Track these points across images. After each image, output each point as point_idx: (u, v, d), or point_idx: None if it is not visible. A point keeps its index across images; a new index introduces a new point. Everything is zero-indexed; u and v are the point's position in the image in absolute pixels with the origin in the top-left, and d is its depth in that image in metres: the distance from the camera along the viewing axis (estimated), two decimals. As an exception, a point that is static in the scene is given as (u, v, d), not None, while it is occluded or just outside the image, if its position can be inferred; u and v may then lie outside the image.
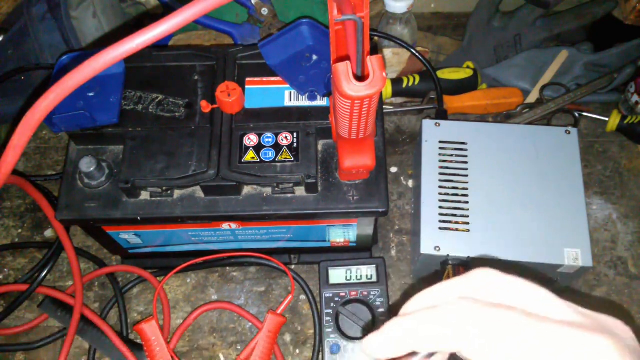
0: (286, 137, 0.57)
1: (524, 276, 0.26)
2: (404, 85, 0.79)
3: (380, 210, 0.56)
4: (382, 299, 0.64)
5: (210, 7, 0.29)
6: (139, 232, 0.62)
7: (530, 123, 0.78)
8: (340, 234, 0.64)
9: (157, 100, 0.59)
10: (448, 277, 0.60)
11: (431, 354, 0.25)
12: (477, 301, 0.24)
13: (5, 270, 0.73)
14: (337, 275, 0.66)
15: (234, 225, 0.60)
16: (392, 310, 0.66)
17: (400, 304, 0.26)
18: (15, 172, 0.73)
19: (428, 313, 0.24)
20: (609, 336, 0.22)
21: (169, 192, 0.56)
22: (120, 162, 0.56)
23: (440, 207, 0.62)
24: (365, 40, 0.39)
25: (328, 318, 0.63)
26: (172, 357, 0.62)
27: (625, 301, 0.68)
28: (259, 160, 0.55)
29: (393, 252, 0.72)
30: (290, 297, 0.66)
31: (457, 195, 0.62)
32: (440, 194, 0.63)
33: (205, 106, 0.58)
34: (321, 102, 0.59)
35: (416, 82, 0.79)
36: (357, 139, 0.50)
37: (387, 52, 0.80)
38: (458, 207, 0.62)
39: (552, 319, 0.23)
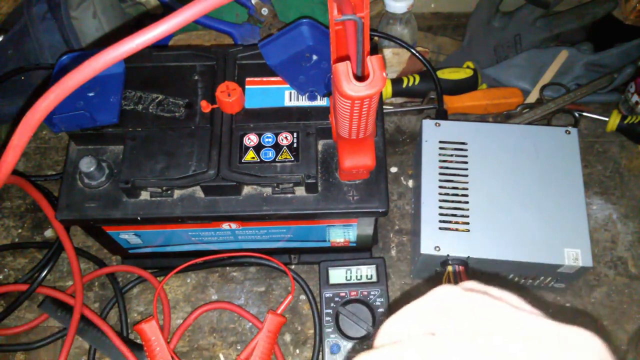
0: (286, 137, 0.57)
1: (492, 283, 0.26)
2: (404, 85, 0.79)
3: (380, 210, 0.56)
4: (382, 299, 0.64)
5: (210, 7, 0.29)
6: (139, 232, 0.62)
7: (530, 123, 0.78)
8: (340, 234, 0.64)
9: (157, 100, 0.59)
10: (448, 278, 0.60)
11: None
12: (434, 337, 0.24)
13: (5, 270, 0.73)
14: (337, 275, 0.66)
15: (234, 225, 0.61)
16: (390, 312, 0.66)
17: (400, 305, 0.26)
18: (15, 172, 0.73)
19: (389, 351, 0.24)
20: (572, 355, 0.22)
21: (169, 192, 0.56)
22: (120, 162, 0.56)
23: (440, 207, 0.62)
24: (365, 40, 0.39)
25: (328, 318, 0.63)
26: (172, 357, 0.62)
27: (625, 301, 0.68)
28: (259, 160, 0.55)
29: (393, 252, 0.72)
30: (290, 297, 0.66)
31: (457, 195, 0.62)
32: (440, 194, 0.63)
33: (205, 106, 0.58)
34: (321, 102, 0.59)
35: (416, 82, 0.79)
36: (357, 139, 0.50)
37: (387, 52, 0.80)
38: (458, 207, 0.62)
39: (511, 343, 0.23)
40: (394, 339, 0.25)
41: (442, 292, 0.26)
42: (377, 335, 0.26)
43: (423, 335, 0.24)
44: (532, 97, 0.81)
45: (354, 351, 0.62)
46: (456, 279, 0.60)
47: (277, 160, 0.55)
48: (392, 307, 0.67)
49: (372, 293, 0.64)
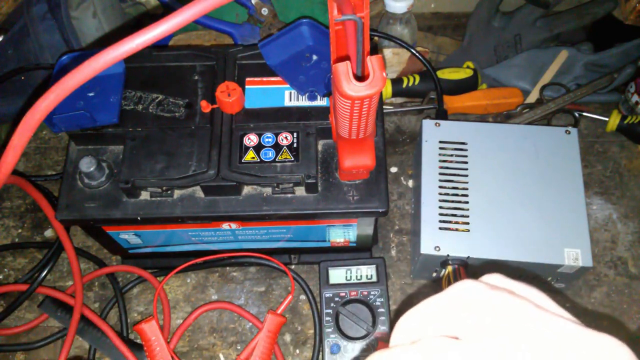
0: (286, 137, 0.57)
1: (519, 278, 0.26)
2: (404, 85, 0.79)
3: (380, 210, 0.56)
4: (382, 299, 0.64)
5: (210, 7, 0.29)
6: (139, 232, 0.62)
7: (530, 123, 0.78)
8: (340, 234, 0.64)
9: (157, 100, 0.59)
10: (448, 278, 0.60)
11: None
12: (452, 340, 0.23)
13: (5, 270, 0.73)
14: (337, 275, 0.66)
15: (234, 225, 0.61)
16: (393, 319, 0.66)
17: (402, 310, 0.26)
18: (15, 172, 0.73)
19: (404, 353, 0.23)
20: None
21: (169, 192, 0.56)
22: (120, 162, 0.56)
23: (440, 207, 0.62)
24: (365, 40, 0.39)
25: (328, 318, 0.63)
26: (172, 357, 0.62)
27: (625, 301, 0.68)
28: (259, 160, 0.55)
29: (393, 252, 0.72)
30: (290, 297, 0.66)
31: (457, 195, 0.62)
32: (440, 194, 0.63)
33: (205, 106, 0.58)
34: (321, 102, 0.59)
35: (416, 82, 0.79)
36: (357, 139, 0.50)
37: (387, 52, 0.80)
38: (458, 207, 0.62)
39: (533, 347, 0.21)
40: (411, 335, 0.25)
41: (463, 288, 0.24)
42: (394, 330, 0.25)
43: (441, 337, 0.23)
44: (532, 97, 0.81)
45: (367, 349, 0.62)
46: (456, 279, 0.60)
47: (277, 160, 0.55)
48: (400, 306, 0.67)
49: (372, 293, 0.64)
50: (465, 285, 0.25)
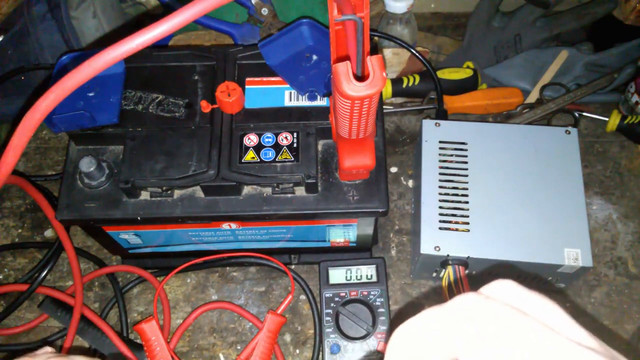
0: (286, 137, 0.57)
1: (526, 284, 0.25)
2: (404, 85, 0.79)
3: (380, 210, 0.56)
4: (382, 299, 0.64)
5: (210, 7, 0.29)
6: (139, 232, 0.62)
7: (530, 123, 0.78)
8: (340, 234, 0.64)
9: (157, 100, 0.59)
10: (448, 278, 0.60)
11: None
12: None
13: (5, 270, 0.73)
14: (337, 275, 0.66)
15: (234, 225, 0.61)
16: (393, 319, 0.66)
17: (403, 310, 0.26)
18: (15, 172, 0.73)
19: None
20: None
21: (169, 192, 0.56)
22: (120, 162, 0.56)
23: (440, 207, 0.62)
24: (365, 40, 0.39)
25: (328, 318, 0.63)
26: (172, 357, 0.62)
27: (625, 301, 0.68)
28: (259, 160, 0.55)
29: (393, 252, 0.72)
30: (290, 297, 0.66)
31: (457, 195, 0.62)
32: (440, 194, 0.63)
33: (205, 106, 0.58)
34: (321, 102, 0.59)
35: (416, 82, 0.79)
36: (357, 139, 0.50)
37: (387, 52, 0.80)
38: (458, 207, 0.62)
39: None
40: (409, 344, 0.24)
41: (465, 300, 0.24)
42: (392, 338, 0.25)
43: None
44: (532, 97, 0.81)
45: (367, 349, 0.61)
46: (456, 279, 0.60)
47: (277, 160, 0.55)
48: (401, 307, 0.67)
49: (372, 293, 0.64)
50: (467, 297, 0.24)
